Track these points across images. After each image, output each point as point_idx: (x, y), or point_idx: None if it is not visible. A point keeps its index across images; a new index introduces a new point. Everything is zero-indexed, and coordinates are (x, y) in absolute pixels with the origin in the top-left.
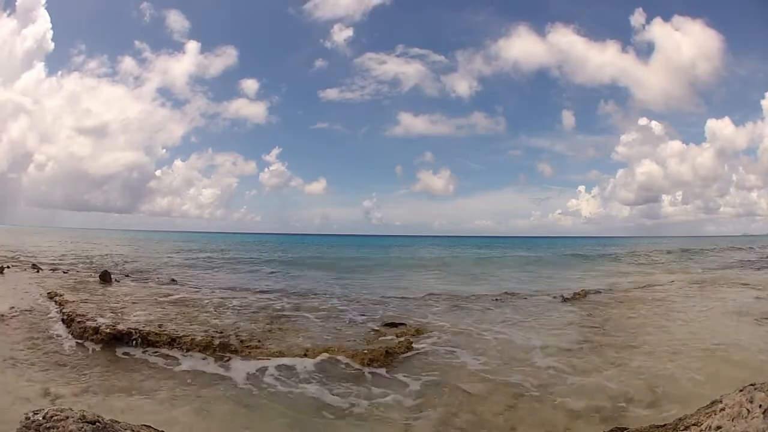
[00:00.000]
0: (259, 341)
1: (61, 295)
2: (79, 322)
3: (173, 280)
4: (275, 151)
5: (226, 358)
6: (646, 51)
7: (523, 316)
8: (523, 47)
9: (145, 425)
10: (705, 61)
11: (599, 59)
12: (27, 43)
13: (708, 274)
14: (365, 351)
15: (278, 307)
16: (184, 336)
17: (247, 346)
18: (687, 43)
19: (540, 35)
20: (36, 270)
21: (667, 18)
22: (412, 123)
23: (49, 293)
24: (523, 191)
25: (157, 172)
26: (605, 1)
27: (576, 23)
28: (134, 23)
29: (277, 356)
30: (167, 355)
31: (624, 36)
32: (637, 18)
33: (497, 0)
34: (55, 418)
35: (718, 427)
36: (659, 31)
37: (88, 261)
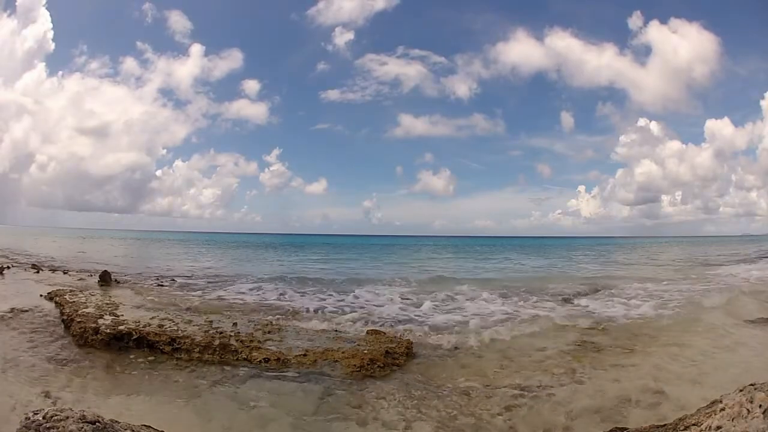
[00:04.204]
0: (259, 342)
1: (61, 296)
2: (79, 322)
3: (173, 280)
4: (276, 152)
5: (225, 359)
6: (643, 53)
7: (524, 315)
8: (521, 51)
9: (145, 425)
10: (702, 63)
11: (597, 62)
12: (27, 43)
13: (709, 270)
14: (365, 351)
15: (279, 308)
16: (184, 336)
17: (247, 347)
18: (684, 46)
19: (538, 39)
20: (36, 270)
21: (664, 21)
22: (413, 124)
23: (49, 294)
24: (523, 191)
25: (158, 173)
26: (603, 4)
27: (574, 26)
28: (136, 24)
29: (277, 357)
30: (167, 356)
31: (621, 39)
32: (635, 21)
33: (496, 3)
34: (56, 418)
35: (718, 427)
36: (656, 33)
37: (88, 261)
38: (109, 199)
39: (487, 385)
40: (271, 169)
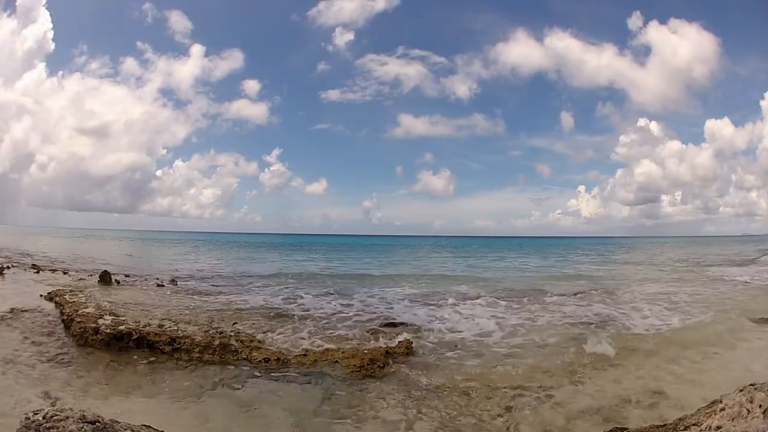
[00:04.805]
0: (259, 342)
1: (61, 296)
2: (79, 322)
3: (173, 280)
4: (276, 152)
5: (226, 359)
6: (643, 53)
7: (525, 315)
8: (521, 51)
9: (145, 425)
10: (702, 64)
11: (596, 62)
12: (27, 43)
13: (708, 270)
14: (365, 351)
15: (279, 308)
16: (184, 336)
17: (247, 347)
18: (684, 46)
19: (538, 39)
20: (36, 271)
21: (663, 21)
22: (413, 124)
23: (49, 294)
24: (523, 191)
25: (158, 173)
26: (603, 5)
27: (574, 27)
28: (136, 24)
29: (278, 357)
30: (167, 356)
31: (621, 39)
32: (634, 21)
33: (496, 4)
34: (55, 418)
35: (718, 427)
36: (656, 33)
37: (88, 261)
38: (109, 199)
39: (487, 385)
40: (271, 169)
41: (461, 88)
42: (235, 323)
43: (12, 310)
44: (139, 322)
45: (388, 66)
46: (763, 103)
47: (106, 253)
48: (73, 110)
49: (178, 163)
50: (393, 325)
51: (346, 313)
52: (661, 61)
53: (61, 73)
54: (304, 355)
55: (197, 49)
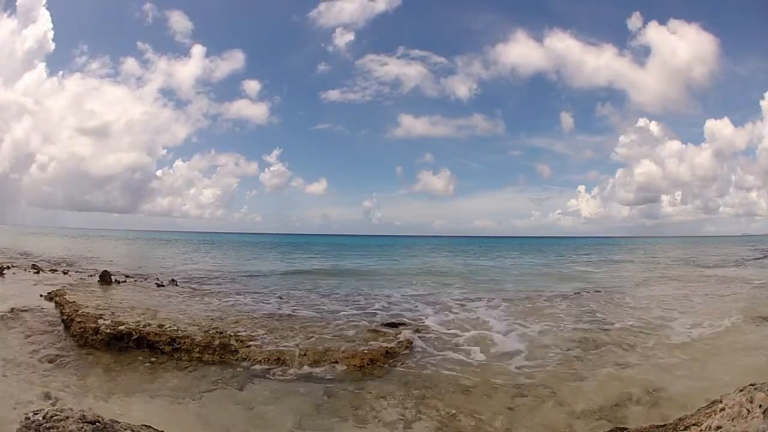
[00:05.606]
0: (259, 342)
1: (61, 296)
2: (79, 322)
3: (173, 281)
4: (276, 152)
5: (226, 359)
6: (642, 54)
7: (525, 316)
8: (521, 51)
9: (145, 425)
10: (701, 64)
11: (596, 63)
12: (28, 43)
13: (708, 270)
14: (365, 351)
15: (279, 308)
16: (184, 336)
17: (247, 347)
18: (683, 46)
19: (538, 39)
20: (36, 271)
21: (663, 21)
22: (413, 124)
23: (49, 294)
24: (523, 191)
25: (159, 173)
26: (602, 5)
27: (573, 27)
28: (136, 24)
29: (277, 357)
30: (167, 356)
31: (621, 39)
32: (634, 21)
33: (496, 4)
34: (55, 418)
35: (718, 427)
36: (655, 34)
37: (88, 261)
38: (109, 199)
39: (488, 385)
40: (271, 169)
41: (461, 88)
42: (236, 323)
43: (12, 310)
44: (139, 322)
45: (388, 66)
46: (762, 103)
47: (106, 253)
48: (73, 110)
49: (179, 163)
50: (393, 325)
51: (347, 313)
52: (661, 62)
53: (61, 73)
54: (304, 354)
55: (198, 50)
